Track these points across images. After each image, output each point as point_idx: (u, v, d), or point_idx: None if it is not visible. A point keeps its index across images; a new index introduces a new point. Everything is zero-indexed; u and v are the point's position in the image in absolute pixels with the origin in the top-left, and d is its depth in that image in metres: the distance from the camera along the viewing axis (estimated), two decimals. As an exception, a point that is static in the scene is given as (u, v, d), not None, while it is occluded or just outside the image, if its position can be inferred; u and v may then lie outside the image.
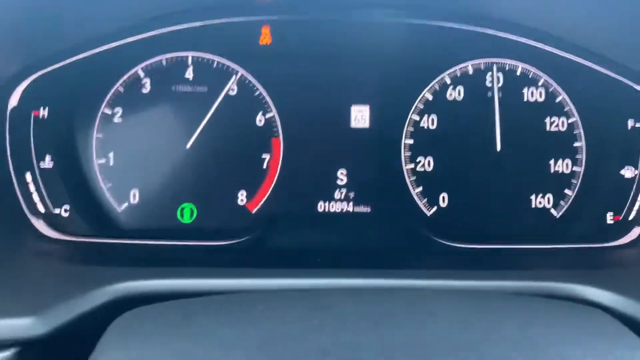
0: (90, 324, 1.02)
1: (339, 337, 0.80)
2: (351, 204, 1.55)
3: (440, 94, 1.56)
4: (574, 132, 1.56)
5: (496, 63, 1.57)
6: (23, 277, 1.19)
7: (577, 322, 0.95)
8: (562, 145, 1.56)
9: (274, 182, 1.54)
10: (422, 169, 1.55)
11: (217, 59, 1.54)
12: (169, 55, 1.53)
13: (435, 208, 1.55)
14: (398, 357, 0.76)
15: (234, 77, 1.54)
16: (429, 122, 1.56)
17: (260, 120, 1.54)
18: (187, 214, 1.52)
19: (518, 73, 1.57)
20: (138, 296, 1.11)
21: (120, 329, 0.92)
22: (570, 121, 1.56)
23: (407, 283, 1.18)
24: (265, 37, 1.53)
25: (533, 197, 1.55)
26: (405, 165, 1.55)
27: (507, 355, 0.80)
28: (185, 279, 1.16)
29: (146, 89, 1.53)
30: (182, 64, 1.54)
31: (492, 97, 1.56)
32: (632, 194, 1.53)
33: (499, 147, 1.55)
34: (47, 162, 1.47)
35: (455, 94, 1.56)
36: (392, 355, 0.76)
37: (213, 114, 1.53)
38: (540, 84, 1.57)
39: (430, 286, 1.18)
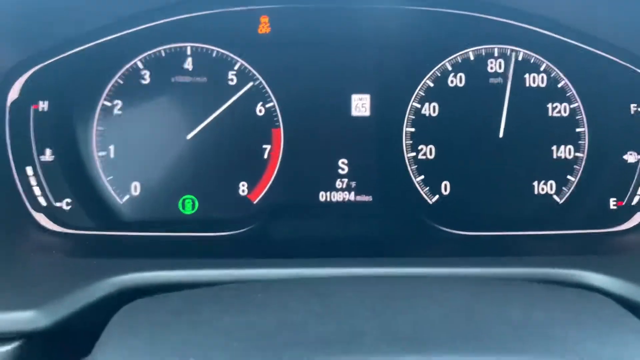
0: (93, 316, 1.02)
1: (341, 325, 0.81)
2: (353, 193, 1.54)
3: (441, 80, 1.55)
4: (577, 118, 1.55)
5: (497, 49, 1.55)
6: (25, 271, 1.20)
7: (578, 305, 0.95)
8: (565, 131, 1.55)
9: (275, 172, 1.53)
10: (424, 157, 1.55)
11: (216, 49, 1.53)
12: (167, 46, 1.52)
13: (437, 196, 1.55)
14: (400, 344, 0.76)
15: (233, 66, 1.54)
16: (431, 109, 1.55)
17: (260, 110, 1.54)
18: (188, 205, 1.52)
19: (520, 59, 1.56)
20: (140, 288, 1.11)
21: (122, 320, 0.92)
22: (572, 107, 1.55)
23: (409, 271, 1.18)
24: (264, 27, 1.52)
25: (536, 183, 1.55)
26: (407, 154, 1.54)
27: (508, 339, 0.80)
28: (187, 270, 1.16)
29: (146, 81, 1.52)
30: (181, 54, 1.53)
31: (499, 83, 1.55)
32: (635, 179, 1.52)
33: (502, 134, 1.54)
34: (48, 156, 1.47)
35: (457, 80, 1.56)
36: (394, 342, 0.76)
37: (213, 105, 1.52)
38: (542, 69, 1.56)
39: (433, 274, 1.17)
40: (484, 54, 1.55)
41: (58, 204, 1.47)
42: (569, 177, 1.55)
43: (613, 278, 1.12)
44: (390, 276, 1.14)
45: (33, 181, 1.46)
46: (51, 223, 1.45)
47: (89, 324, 0.95)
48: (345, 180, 1.55)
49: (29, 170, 1.45)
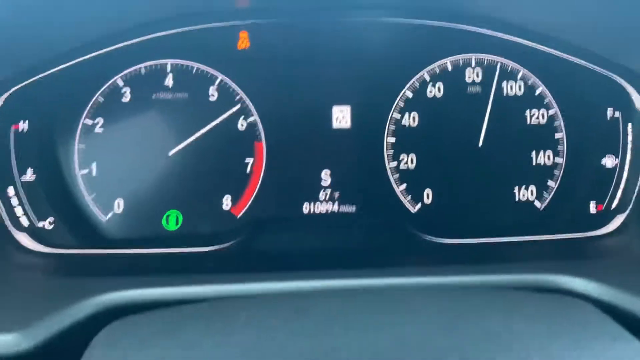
0: (76, 336, 1.01)
1: (321, 341, 0.81)
2: (336, 204, 1.55)
3: (420, 91, 1.57)
4: (555, 124, 1.58)
5: (474, 58, 1.57)
6: (7, 292, 1.18)
7: (560, 313, 0.95)
8: (543, 137, 1.57)
9: (258, 185, 1.54)
10: (405, 167, 1.56)
11: (196, 65, 1.54)
12: (147, 64, 1.53)
13: (419, 205, 1.56)
14: None
15: (214, 82, 1.54)
16: (410, 119, 1.57)
17: (242, 124, 1.54)
18: (172, 221, 1.52)
19: (497, 67, 1.57)
20: (125, 306, 1.10)
21: (105, 340, 0.91)
22: (550, 113, 1.58)
23: (394, 281, 1.18)
24: (244, 42, 1.54)
25: (516, 189, 1.56)
26: (388, 164, 1.55)
27: (490, 352, 0.80)
28: (171, 287, 1.15)
29: (126, 98, 1.53)
30: (161, 71, 1.54)
31: (477, 92, 1.57)
32: (613, 182, 1.54)
33: (481, 142, 1.56)
34: (29, 176, 1.46)
35: (435, 90, 1.57)
36: (372, 358, 0.76)
37: (195, 120, 1.53)
38: (519, 77, 1.58)
39: (418, 283, 1.18)
40: (461, 63, 1.57)
41: (40, 224, 1.46)
42: (549, 182, 1.57)
43: (594, 283, 1.13)
44: (371, 288, 1.14)
45: (15, 201, 1.45)
46: (34, 243, 1.44)
47: (72, 345, 0.95)
48: (329, 191, 1.55)
49: (11, 190, 1.45)
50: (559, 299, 1.04)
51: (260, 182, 1.54)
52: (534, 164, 1.57)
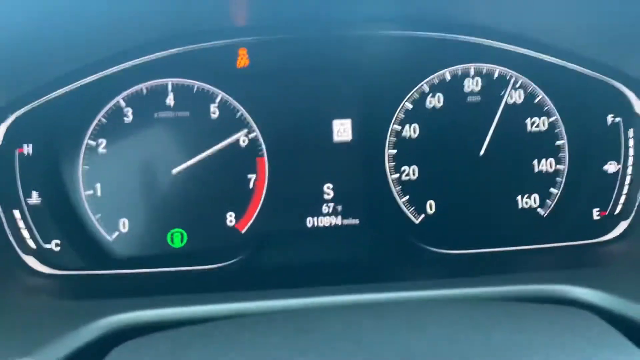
0: (85, 359, 1.02)
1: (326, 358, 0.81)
2: (339, 217, 1.56)
3: (420, 102, 1.57)
4: (556, 131, 1.58)
5: (473, 68, 1.58)
6: (16, 316, 1.18)
7: (564, 325, 0.95)
8: (545, 144, 1.58)
9: (262, 201, 1.55)
10: (407, 178, 1.56)
11: (196, 83, 1.55)
12: (148, 84, 1.54)
13: (423, 216, 1.56)
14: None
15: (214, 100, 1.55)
16: (411, 131, 1.57)
17: (243, 141, 1.55)
18: (177, 239, 1.53)
19: (495, 76, 1.58)
20: (133, 328, 1.11)
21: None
22: (550, 120, 1.58)
23: (399, 295, 1.19)
24: (243, 59, 1.55)
25: (519, 198, 1.57)
26: (390, 176, 1.56)
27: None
28: (179, 307, 1.16)
29: (128, 118, 1.54)
30: (162, 91, 1.55)
31: (477, 101, 1.57)
32: (616, 188, 1.54)
33: (483, 151, 1.56)
34: (35, 198, 1.47)
35: (435, 101, 1.58)
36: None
37: (197, 138, 1.54)
38: (518, 85, 1.58)
39: (422, 296, 1.18)
40: (460, 73, 1.58)
41: (47, 246, 1.47)
42: (551, 190, 1.57)
43: (599, 292, 1.13)
44: (376, 302, 1.14)
45: (21, 224, 1.46)
46: (41, 265, 1.45)
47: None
48: (332, 204, 1.56)
49: (17, 213, 1.46)
50: (562, 310, 1.04)
51: (263, 197, 1.55)
52: (536, 171, 1.57)
